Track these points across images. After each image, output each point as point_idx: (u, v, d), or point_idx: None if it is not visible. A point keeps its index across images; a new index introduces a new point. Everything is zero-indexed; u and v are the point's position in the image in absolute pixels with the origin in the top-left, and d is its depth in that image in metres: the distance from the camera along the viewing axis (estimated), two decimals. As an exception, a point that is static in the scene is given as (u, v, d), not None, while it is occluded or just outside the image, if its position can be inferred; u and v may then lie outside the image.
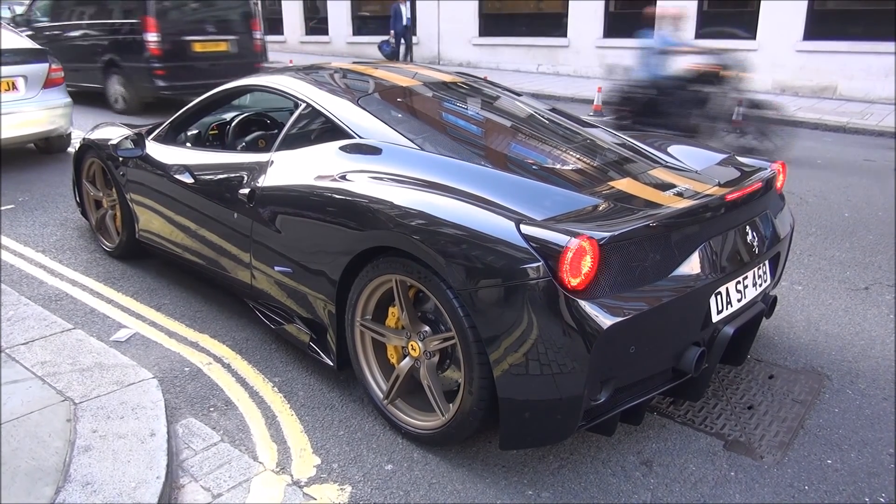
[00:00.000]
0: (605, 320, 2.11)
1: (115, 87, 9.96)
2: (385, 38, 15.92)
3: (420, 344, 2.53)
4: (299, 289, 2.94)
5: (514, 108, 3.61)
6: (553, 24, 15.62)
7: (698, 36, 13.42)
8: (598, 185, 2.69)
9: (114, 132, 4.27)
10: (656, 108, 6.87)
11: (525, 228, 2.19)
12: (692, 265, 2.40)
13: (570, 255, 2.07)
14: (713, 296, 2.49)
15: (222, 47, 9.95)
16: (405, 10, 15.60)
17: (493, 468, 2.51)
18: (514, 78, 14.40)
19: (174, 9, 9.58)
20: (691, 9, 13.28)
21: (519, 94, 3.89)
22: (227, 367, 3.20)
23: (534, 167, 2.81)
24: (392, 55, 15.52)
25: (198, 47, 9.67)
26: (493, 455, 2.57)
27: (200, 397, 2.95)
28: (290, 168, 3.04)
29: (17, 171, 6.70)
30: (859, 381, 3.07)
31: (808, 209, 5.66)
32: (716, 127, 6.77)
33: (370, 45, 19.73)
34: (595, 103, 11.04)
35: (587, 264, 2.10)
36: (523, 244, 2.15)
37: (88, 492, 2.15)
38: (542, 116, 3.56)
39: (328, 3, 20.69)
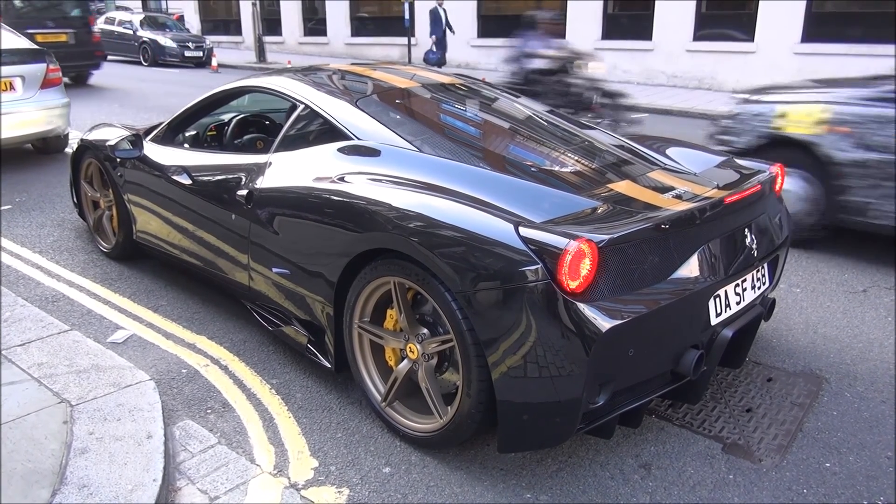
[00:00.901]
0: (604, 323, 2.10)
1: None
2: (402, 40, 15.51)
3: (418, 346, 2.52)
4: (297, 290, 2.93)
5: (513, 110, 3.61)
6: (551, 25, 15.62)
7: (696, 38, 13.45)
8: (596, 187, 2.69)
9: (111, 133, 4.26)
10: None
11: (524, 231, 2.18)
12: (691, 268, 2.40)
13: (568, 257, 2.07)
14: (712, 298, 2.49)
15: (62, 38, 12.20)
16: (443, 13, 14.87)
17: (491, 471, 2.50)
18: (512, 79, 14.38)
19: (16, 7, 12.01)
20: (689, 11, 13.32)
21: (517, 96, 3.89)
22: (225, 368, 3.19)
23: (532, 169, 2.81)
24: (439, 62, 14.89)
25: (39, 38, 11.51)
26: (492, 458, 2.57)
27: (198, 399, 2.94)
28: (288, 169, 3.03)
29: (15, 171, 6.69)
30: (858, 384, 3.07)
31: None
32: (578, 113, 7.12)
33: (369, 46, 19.74)
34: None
35: (586, 267, 2.10)
36: (522, 247, 2.15)
37: (85, 494, 2.14)
38: (541, 118, 3.56)
39: (326, 3, 20.69)
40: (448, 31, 15.09)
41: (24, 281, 4.12)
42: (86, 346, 3.10)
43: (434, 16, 14.86)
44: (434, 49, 14.83)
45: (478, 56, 16.91)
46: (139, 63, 19.71)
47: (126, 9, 24.46)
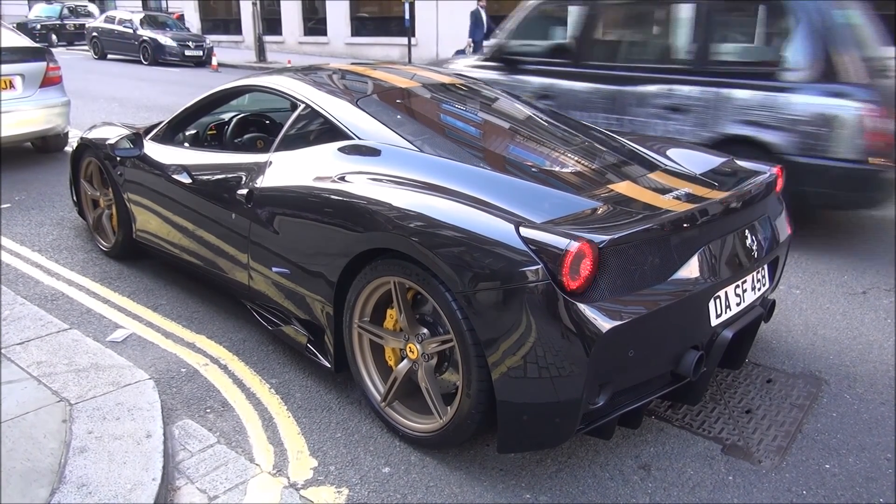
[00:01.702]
0: (604, 323, 2.10)
1: None
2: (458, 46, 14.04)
3: (418, 346, 2.52)
4: (297, 290, 2.93)
5: (513, 110, 3.60)
6: (552, 26, 15.63)
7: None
8: (597, 187, 2.69)
9: (111, 131, 4.26)
10: None
11: (524, 231, 2.18)
12: (691, 269, 2.40)
13: (569, 258, 2.07)
14: (712, 299, 2.49)
15: None
16: (485, 15, 13.62)
17: (490, 471, 2.50)
18: (512, 80, 14.37)
19: None
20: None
21: (517, 96, 3.89)
22: (224, 368, 3.19)
23: (533, 169, 2.81)
24: None
25: None
26: (491, 458, 2.57)
27: (197, 399, 2.94)
28: (288, 169, 3.03)
29: (14, 170, 6.68)
30: (857, 386, 3.07)
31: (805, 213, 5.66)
32: None
33: (369, 45, 19.73)
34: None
35: (586, 267, 2.10)
36: (522, 247, 2.15)
37: (84, 493, 2.14)
38: (541, 118, 3.56)
39: (327, 3, 20.69)
40: (486, 35, 13.83)
41: (23, 279, 4.12)
42: (85, 344, 3.10)
43: (475, 17, 13.54)
44: (467, 52, 13.68)
45: (478, 56, 16.89)
46: (139, 62, 19.71)
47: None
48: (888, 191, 4.60)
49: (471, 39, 13.80)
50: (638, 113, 5.14)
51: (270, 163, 3.13)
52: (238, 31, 24.37)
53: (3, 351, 2.99)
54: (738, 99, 4.67)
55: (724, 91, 4.71)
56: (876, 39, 4.78)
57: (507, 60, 5.92)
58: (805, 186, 4.45)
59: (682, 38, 4.93)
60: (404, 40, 17.38)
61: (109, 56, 21.24)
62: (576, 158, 2.99)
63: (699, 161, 3.20)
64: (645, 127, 5.06)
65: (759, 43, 4.94)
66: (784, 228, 3.06)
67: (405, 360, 2.60)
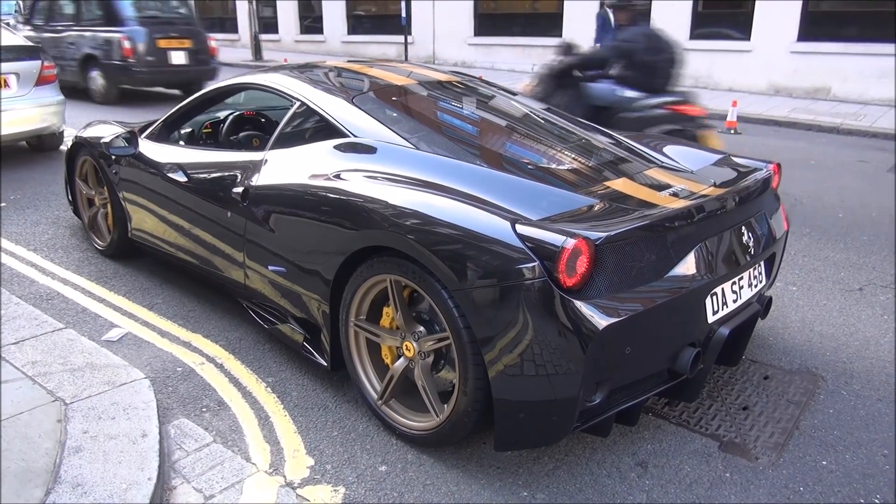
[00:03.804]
0: (601, 321, 2.10)
1: None
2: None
3: (414, 344, 2.52)
4: (293, 288, 2.92)
5: (510, 108, 3.60)
6: (548, 24, 15.62)
7: (693, 37, 13.43)
8: (593, 184, 2.68)
9: (106, 130, 4.24)
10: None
11: (521, 228, 2.18)
12: (688, 266, 2.39)
13: (565, 255, 2.06)
14: (709, 297, 2.48)
15: None
16: (612, 17, 12.48)
17: (487, 469, 2.49)
18: (509, 78, 14.39)
19: None
20: (686, 10, 13.33)
21: (514, 94, 3.88)
22: (220, 367, 3.18)
23: (529, 167, 2.80)
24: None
25: None
26: (488, 456, 2.56)
27: (193, 398, 2.93)
28: (284, 167, 3.02)
29: (9, 169, 6.66)
30: (854, 382, 3.07)
31: (802, 210, 5.67)
32: None
33: (365, 44, 19.69)
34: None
35: (583, 264, 2.09)
36: (519, 244, 2.14)
37: (79, 493, 2.13)
38: (538, 116, 3.55)
39: (323, 2, 20.63)
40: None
41: (18, 279, 4.10)
42: (80, 344, 3.09)
43: (602, 20, 12.51)
44: None
45: (475, 55, 16.89)
46: (135, 61, 19.63)
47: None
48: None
49: (598, 45, 12.65)
50: (65, 46, 10.44)
51: (266, 161, 3.12)
52: (234, 29, 24.31)
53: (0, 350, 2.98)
54: (93, 36, 9.86)
55: (85, 33, 9.80)
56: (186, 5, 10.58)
57: (33, 24, 11.03)
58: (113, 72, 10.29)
59: (75, 8, 10.49)
60: (401, 38, 17.34)
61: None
62: (572, 156, 2.99)
63: (695, 158, 3.19)
64: (68, 51, 10.47)
65: (95, 6, 10.02)
66: (780, 225, 3.05)
67: (402, 359, 2.59)
